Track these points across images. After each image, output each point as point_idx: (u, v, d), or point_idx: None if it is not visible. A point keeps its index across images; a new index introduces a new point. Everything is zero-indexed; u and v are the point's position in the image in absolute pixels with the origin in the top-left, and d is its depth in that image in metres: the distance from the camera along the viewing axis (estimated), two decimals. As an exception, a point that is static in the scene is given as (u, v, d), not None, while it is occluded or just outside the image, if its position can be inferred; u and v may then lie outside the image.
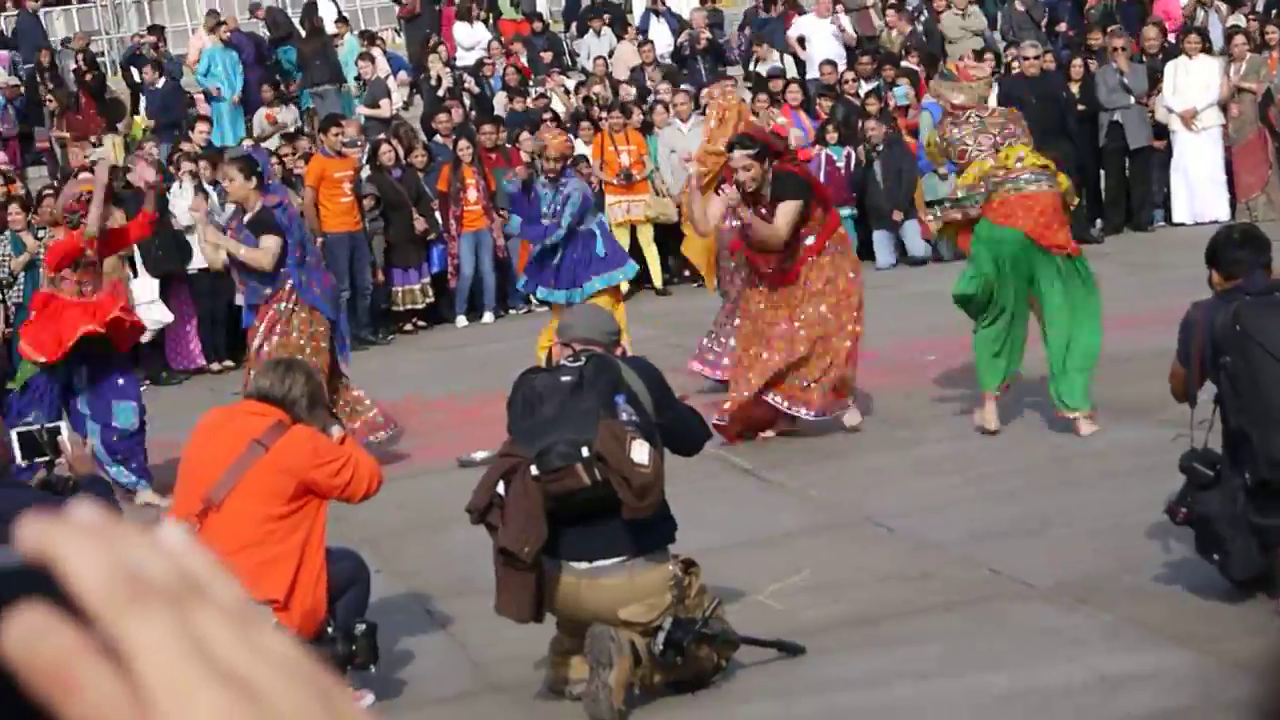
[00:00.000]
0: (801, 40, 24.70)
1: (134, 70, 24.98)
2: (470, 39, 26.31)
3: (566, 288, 12.68)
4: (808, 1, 27.31)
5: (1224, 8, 23.59)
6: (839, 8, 25.19)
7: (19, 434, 7.41)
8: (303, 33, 25.96)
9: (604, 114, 20.65)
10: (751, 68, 24.11)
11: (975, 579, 7.85)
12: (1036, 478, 9.46)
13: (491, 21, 27.72)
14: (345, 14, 27.97)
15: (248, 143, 20.80)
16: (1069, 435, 10.29)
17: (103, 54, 27.25)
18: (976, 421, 10.64)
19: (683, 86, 21.20)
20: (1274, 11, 22.05)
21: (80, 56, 24.95)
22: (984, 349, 10.51)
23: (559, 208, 12.64)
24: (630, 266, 13.55)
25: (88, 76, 23.96)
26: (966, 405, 11.32)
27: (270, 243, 11.48)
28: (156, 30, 26.32)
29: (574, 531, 6.51)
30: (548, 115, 20.78)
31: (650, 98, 21.60)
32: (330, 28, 26.04)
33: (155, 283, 17.23)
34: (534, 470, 6.40)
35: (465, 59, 25.62)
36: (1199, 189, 19.59)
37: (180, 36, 27.88)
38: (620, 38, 25.72)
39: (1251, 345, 6.85)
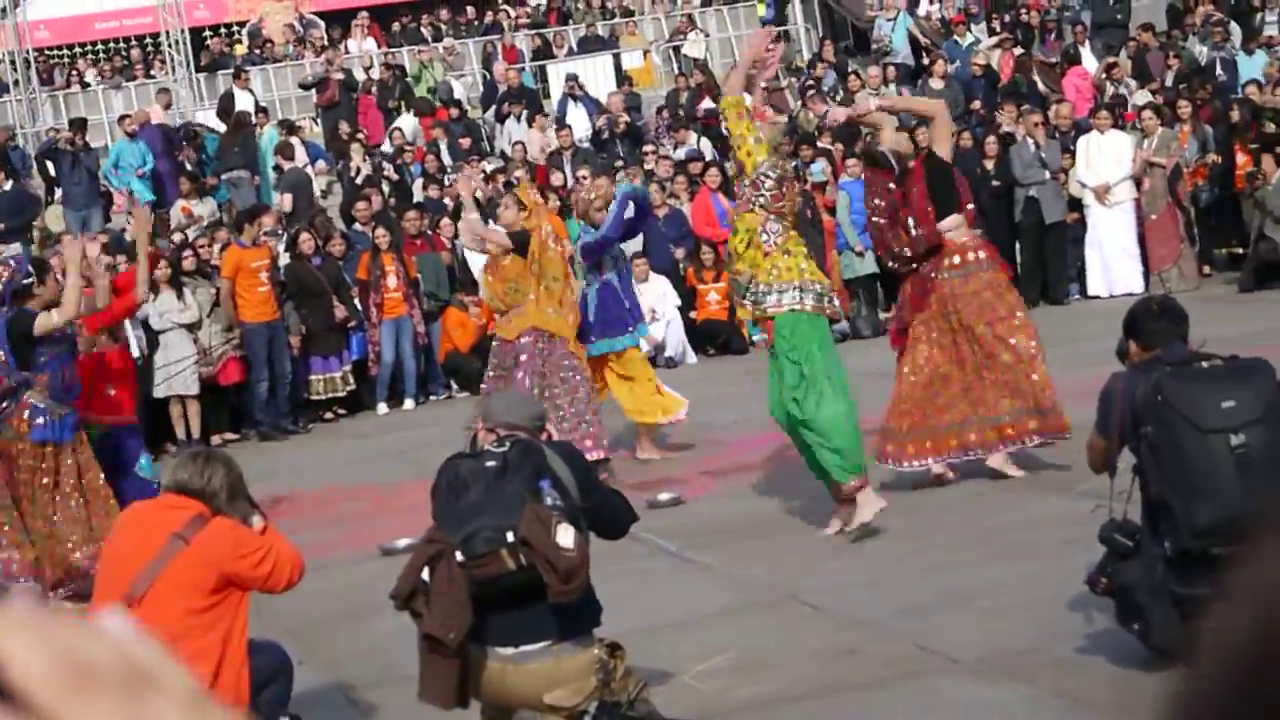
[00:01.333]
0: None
1: (49, 164, 24.88)
2: (407, 126, 26.35)
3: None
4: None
5: (1133, 83, 23.95)
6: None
7: None
8: (220, 127, 26.00)
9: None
10: (672, 152, 24.24)
11: (901, 654, 7.86)
12: (959, 552, 9.49)
13: (406, 109, 27.82)
14: (264, 104, 28.01)
15: (177, 237, 20.70)
16: (991, 509, 10.35)
17: (17, 147, 27.15)
18: (860, 520, 10.14)
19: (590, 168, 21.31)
20: (1182, 86, 22.37)
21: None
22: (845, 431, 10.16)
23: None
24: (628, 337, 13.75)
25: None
26: (888, 479, 11.39)
27: None
28: (78, 124, 26.26)
29: (499, 617, 6.47)
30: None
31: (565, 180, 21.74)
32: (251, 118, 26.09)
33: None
34: (459, 556, 6.37)
35: (390, 147, 25.65)
36: (1113, 262, 19.85)
37: (97, 130, 27.88)
38: (532, 122, 25.86)
39: (1173, 415, 6.90)
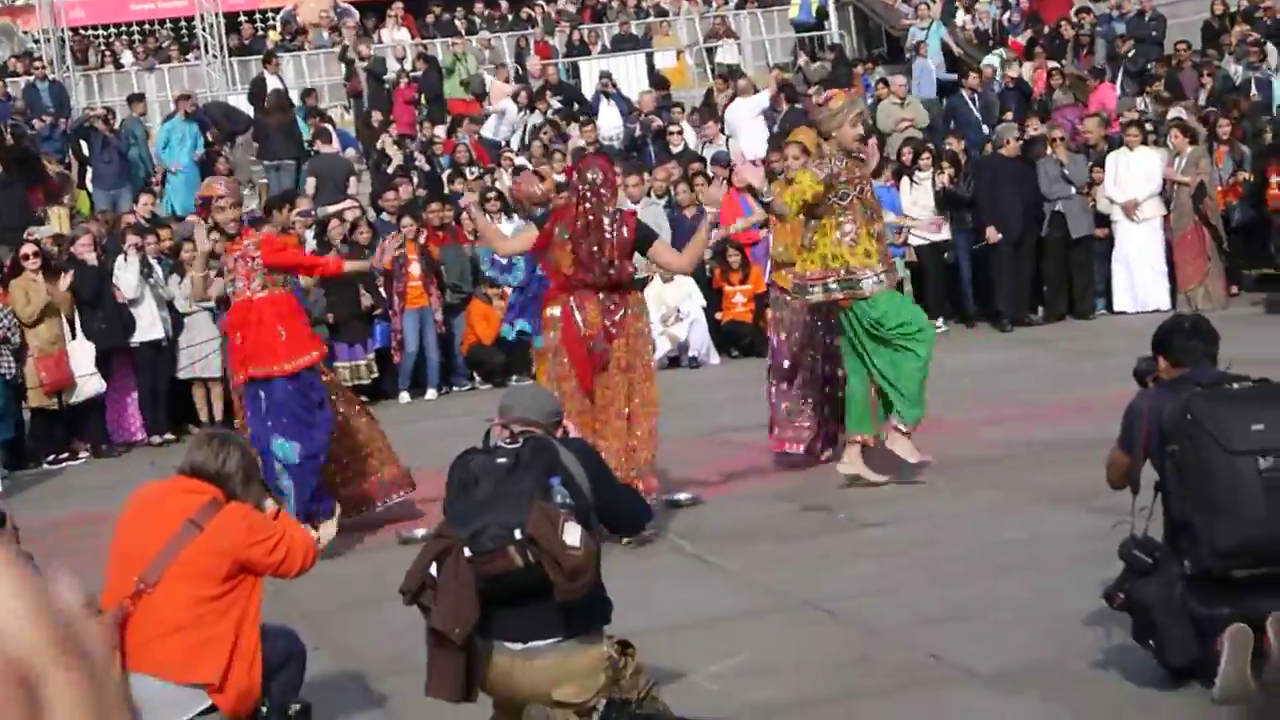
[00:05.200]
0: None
1: (83, 143, 24.90)
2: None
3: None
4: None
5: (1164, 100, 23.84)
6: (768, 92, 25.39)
7: None
8: (249, 110, 26.05)
9: (553, 195, 20.66)
10: (701, 151, 24.21)
11: (915, 664, 7.82)
12: (976, 563, 9.44)
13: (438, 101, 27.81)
14: (295, 90, 28.02)
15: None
16: (1010, 520, 10.30)
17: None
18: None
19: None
20: (1211, 108, 22.14)
21: (8, 129, 24.78)
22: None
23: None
24: None
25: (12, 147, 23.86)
26: (906, 489, 11.36)
27: None
28: (138, 99, 26.87)
29: (507, 612, 6.45)
30: (492, 194, 20.79)
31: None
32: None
33: (92, 350, 17.08)
34: (466, 552, 6.35)
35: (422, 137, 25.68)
36: (1140, 278, 19.76)
37: (122, 111, 27.96)
38: (571, 119, 25.78)
39: (1202, 435, 6.86)
